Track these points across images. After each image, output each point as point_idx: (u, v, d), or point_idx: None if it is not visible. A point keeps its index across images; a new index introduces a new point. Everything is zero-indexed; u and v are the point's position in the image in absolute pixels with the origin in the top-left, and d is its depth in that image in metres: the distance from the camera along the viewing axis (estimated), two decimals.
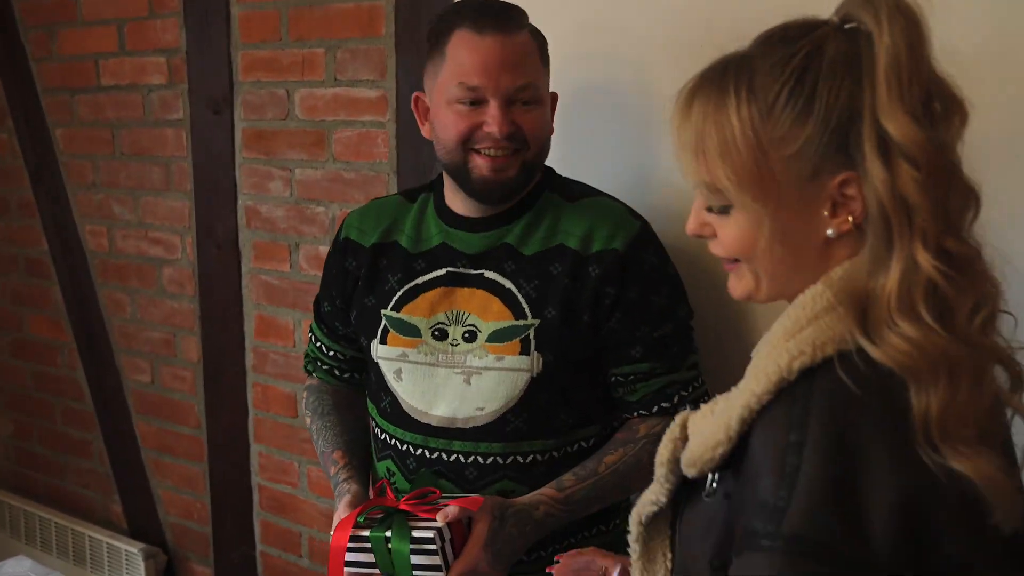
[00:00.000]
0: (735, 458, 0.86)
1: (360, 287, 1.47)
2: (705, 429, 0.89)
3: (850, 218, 0.85)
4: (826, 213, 0.85)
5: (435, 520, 1.23)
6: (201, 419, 2.47)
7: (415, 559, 1.23)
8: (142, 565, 2.51)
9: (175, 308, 2.46)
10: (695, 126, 0.88)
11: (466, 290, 1.39)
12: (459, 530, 1.26)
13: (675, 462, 0.94)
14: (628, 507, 1.35)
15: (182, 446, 2.53)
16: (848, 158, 0.83)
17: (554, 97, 1.43)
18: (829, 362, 0.83)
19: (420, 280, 1.41)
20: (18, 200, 2.80)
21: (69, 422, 2.82)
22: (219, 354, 2.39)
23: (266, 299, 2.26)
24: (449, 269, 1.40)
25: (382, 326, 1.43)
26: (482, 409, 1.36)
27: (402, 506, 1.28)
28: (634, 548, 1.00)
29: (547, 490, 1.33)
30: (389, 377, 1.42)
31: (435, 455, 1.39)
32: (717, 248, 0.93)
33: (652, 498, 0.97)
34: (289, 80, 2.11)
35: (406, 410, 1.41)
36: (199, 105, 2.29)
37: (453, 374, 1.37)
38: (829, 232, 0.86)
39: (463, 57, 1.32)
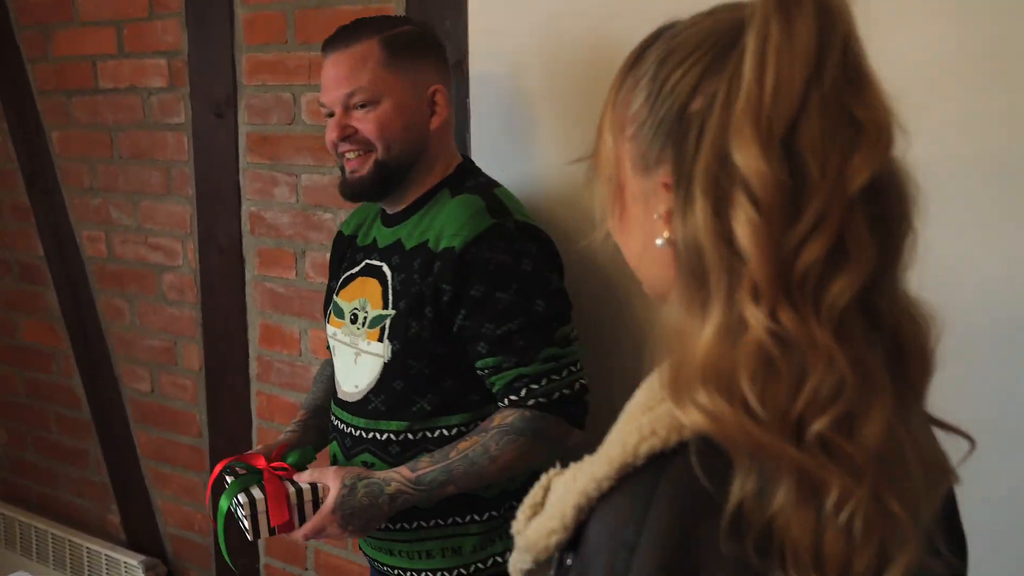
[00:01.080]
0: (578, 539, 0.72)
1: (338, 272, 1.65)
2: (548, 508, 0.75)
3: (666, 234, 0.70)
4: (656, 216, 0.71)
5: (260, 491, 1.42)
6: (203, 428, 2.42)
7: (238, 511, 1.44)
8: None
9: (176, 315, 2.40)
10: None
11: (370, 280, 1.53)
12: (278, 499, 1.42)
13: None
14: (504, 499, 1.50)
15: (183, 456, 2.48)
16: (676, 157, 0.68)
17: (435, 91, 1.49)
18: (684, 446, 0.66)
19: (352, 270, 1.58)
20: (12, 204, 2.74)
21: (64, 431, 2.76)
22: (222, 363, 2.34)
23: (271, 307, 2.21)
24: (367, 261, 1.55)
25: (330, 308, 1.62)
26: (357, 387, 1.52)
27: (263, 466, 1.47)
28: None
29: (402, 468, 1.43)
30: (332, 355, 1.62)
31: (336, 421, 1.58)
32: None
33: (515, 566, 0.79)
34: (295, 83, 2.07)
35: (336, 382, 1.60)
36: (201, 108, 2.24)
37: (353, 353, 1.53)
38: (658, 241, 0.71)
39: (322, 76, 1.51)
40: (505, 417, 1.42)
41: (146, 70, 2.33)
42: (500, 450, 1.41)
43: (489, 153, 1.81)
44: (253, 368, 2.28)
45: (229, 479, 1.46)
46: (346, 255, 1.64)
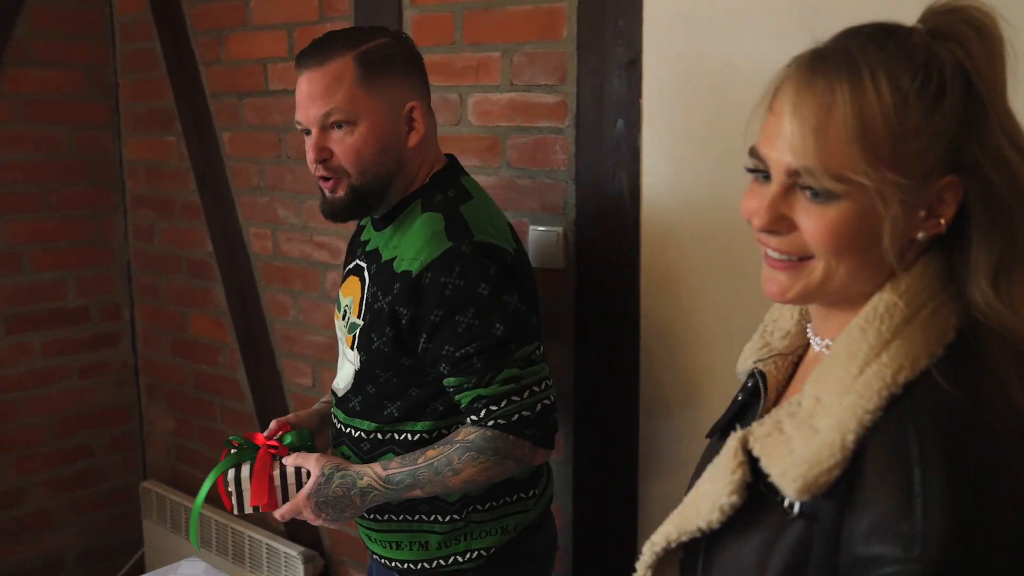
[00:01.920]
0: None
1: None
2: (799, 451, 0.83)
3: (942, 221, 0.85)
4: (922, 214, 0.84)
5: (249, 469, 1.53)
6: None
7: (228, 487, 1.54)
8: (301, 568, 2.51)
9: None
10: (821, 103, 0.82)
11: (357, 281, 1.59)
12: (260, 479, 1.52)
13: (742, 485, 0.88)
14: (467, 503, 1.56)
15: None
16: (955, 162, 0.83)
17: (412, 108, 1.50)
18: (927, 375, 0.83)
19: (350, 265, 1.66)
20: (184, 203, 2.85)
21: (228, 422, 2.85)
22: None
23: None
24: (357, 260, 1.62)
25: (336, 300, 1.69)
26: (340, 384, 1.62)
27: (260, 443, 1.58)
28: (645, 574, 0.96)
29: (375, 465, 1.51)
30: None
31: (332, 411, 1.68)
32: (790, 244, 0.87)
33: (699, 523, 0.90)
34: (462, 85, 2.07)
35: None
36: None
37: (340, 348, 1.63)
38: (920, 235, 0.85)
39: (296, 92, 1.51)
40: (468, 433, 1.47)
41: None
42: (462, 465, 1.47)
43: (662, 154, 1.77)
44: None
45: (228, 452, 1.57)
46: (353, 248, 1.72)
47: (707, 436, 1.08)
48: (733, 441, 0.91)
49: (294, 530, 2.68)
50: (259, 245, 2.64)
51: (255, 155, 2.59)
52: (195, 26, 2.68)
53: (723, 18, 1.65)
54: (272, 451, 1.57)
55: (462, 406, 1.49)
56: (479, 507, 1.59)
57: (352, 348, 1.55)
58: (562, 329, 1.97)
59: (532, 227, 1.98)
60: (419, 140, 1.51)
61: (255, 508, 1.55)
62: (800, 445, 0.83)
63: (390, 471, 1.49)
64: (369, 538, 1.68)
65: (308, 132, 1.49)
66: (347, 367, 1.60)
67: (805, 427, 0.84)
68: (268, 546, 2.60)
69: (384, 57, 1.48)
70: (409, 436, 1.55)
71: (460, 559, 1.60)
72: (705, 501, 0.91)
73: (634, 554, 1.01)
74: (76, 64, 2.92)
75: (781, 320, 1.03)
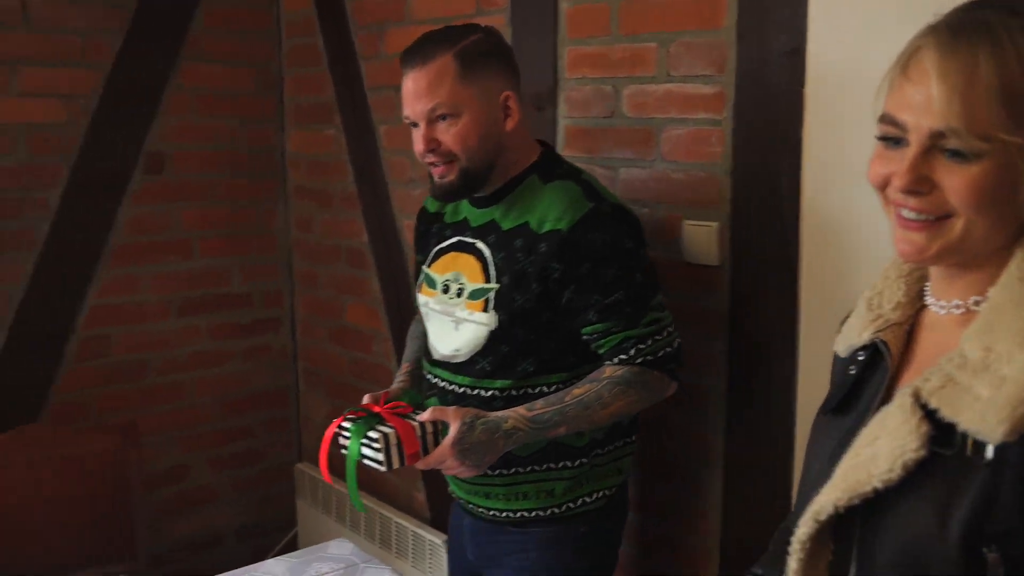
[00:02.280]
0: None
1: (429, 247, 1.83)
2: (990, 397, 0.86)
3: None
4: None
5: (389, 427, 1.55)
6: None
7: (364, 451, 1.56)
8: (444, 557, 2.54)
9: None
10: (965, 66, 0.87)
11: (464, 255, 1.71)
12: (407, 433, 1.55)
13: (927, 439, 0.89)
14: (593, 447, 1.71)
15: None
16: None
17: (507, 97, 1.65)
18: None
19: (443, 244, 1.77)
20: (342, 194, 2.93)
21: None
22: None
23: None
24: (460, 238, 1.74)
25: (421, 278, 1.82)
26: (459, 351, 1.70)
27: (379, 411, 1.61)
28: (803, 546, 0.96)
29: (519, 408, 1.60)
30: (424, 319, 1.81)
31: (434, 380, 1.76)
32: (930, 203, 0.91)
33: (875, 483, 0.91)
34: (617, 76, 2.03)
35: (430, 345, 1.78)
36: (523, 102, 2.26)
37: (449, 320, 1.71)
38: None
39: (402, 89, 1.66)
40: (615, 371, 1.62)
41: None
42: (612, 398, 1.60)
43: (825, 147, 1.69)
44: None
45: (347, 425, 1.59)
46: (431, 230, 1.85)
47: (823, 412, 1.09)
48: (904, 398, 0.92)
49: (438, 518, 2.71)
50: (411, 236, 2.67)
51: (409, 148, 2.61)
52: (356, 21, 2.75)
53: (892, 5, 1.55)
54: (399, 411, 1.61)
55: (604, 350, 1.63)
56: (600, 451, 1.73)
57: (486, 310, 1.65)
58: (715, 327, 1.91)
59: (686, 222, 1.93)
60: (515, 124, 1.66)
61: (402, 461, 1.55)
62: (988, 391, 0.86)
63: (536, 411, 1.59)
64: (487, 495, 1.74)
65: (415, 125, 1.65)
66: (469, 331, 1.68)
67: (986, 375, 0.87)
68: (414, 533, 2.64)
69: (479, 52, 1.63)
70: (544, 388, 1.67)
71: (587, 500, 1.74)
72: (880, 461, 0.91)
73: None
74: (245, 59, 3.04)
75: (888, 292, 1.06)
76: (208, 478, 3.11)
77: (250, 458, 3.21)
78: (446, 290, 1.73)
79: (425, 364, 1.82)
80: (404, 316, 2.72)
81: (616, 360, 1.62)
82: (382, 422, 1.58)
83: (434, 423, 1.58)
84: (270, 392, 3.23)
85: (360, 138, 2.80)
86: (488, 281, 1.66)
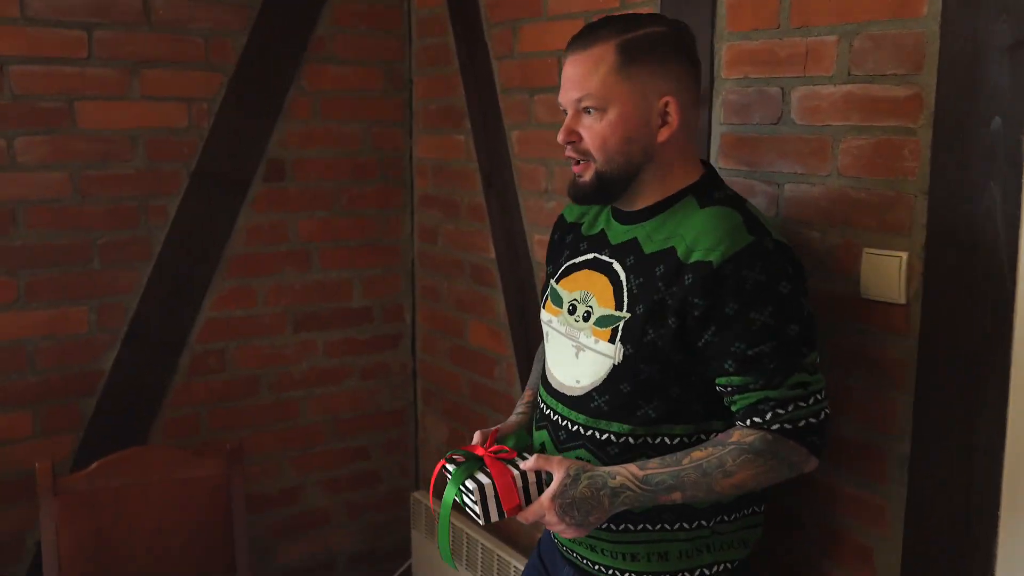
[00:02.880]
0: None
1: (560, 259, 1.66)
2: None
3: None
4: None
5: (488, 477, 1.44)
6: None
7: (465, 498, 1.47)
8: None
9: None
10: None
11: (597, 275, 1.53)
12: (505, 484, 1.43)
13: None
14: (717, 512, 1.51)
15: None
16: None
17: (667, 102, 1.45)
18: None
19: (577, 260, 1.60)
20: (469, 204, 2.72)
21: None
22: None
23: None
24: (596, 255, 1.56)
25: (547, 293, 1.66)
26: (579, 382, 1.53)
27: (482, 453, 1.50)
28: None
29: (630, 465, 1.43)
30: (545, 338, 1.66)
31: (548, 411, 1.59)
32: None
33: None
34: (785, 76, 1.74)
35: (547, 368, 1.63)
36: (691, 113, 1.99)
37: (572, 345, 1.54)
38: None
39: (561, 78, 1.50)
40: (745, 436, 1.41)
41: None
42: (736, 467, 1.40)
43: None
44: None
45: (451, 468, 1.50)
46: (565, 240, 1.68)
47: None
48: None
49: None
50: (542, 254, 2.43)
51: (544, 156, 2.39)
52: (490, 18, 2.53)
53: None
54: (502, 456, 1.51)
55: (737, 407, 1.43)
56: (726, 517, 1.54)
57: (612, 341, 1.47)
58: (897, 376, 1.60)
59: (866, 250, 1.62)
60: (670, 135, 1.47)
61: (502, 513, 1.46)
62: None
63: (648, 471, 1.42)
64: (592, 548, 1.57)
65: (566, 112, 1.50)
66: (590, 362, 1.51)
67: None
68: (515, 568, 2.40)
69: (647, 47, 1.44)
70: (667, 440, 1.48)
71: (706, 571, 1.54)
72: None
73: None
74: (373, 60, 2.87)
75: None
76: (320, 501, 2.95)
77: (365, 482, 3.03)
78: (573, 310, 1.56)
79: (540, 390, 1.67)
80: (530, 342, 2.49)
81: (748, 422, 1.42)
82: (484, 467, 1.48)
83: (538, 472, 1.46)
84: (388, 412, 3.05)
85: (489, 144, 2.59)
86: (619, 308, 1.48)
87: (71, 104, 2.45)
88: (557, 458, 1.45)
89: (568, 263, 1.62)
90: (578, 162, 1.50)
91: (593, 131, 1.46)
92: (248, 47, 2.66)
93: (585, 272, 1.57)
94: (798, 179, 1.74)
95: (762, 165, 1.81)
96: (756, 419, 1.41)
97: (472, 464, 1.49)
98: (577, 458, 1.50)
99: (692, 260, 1.41)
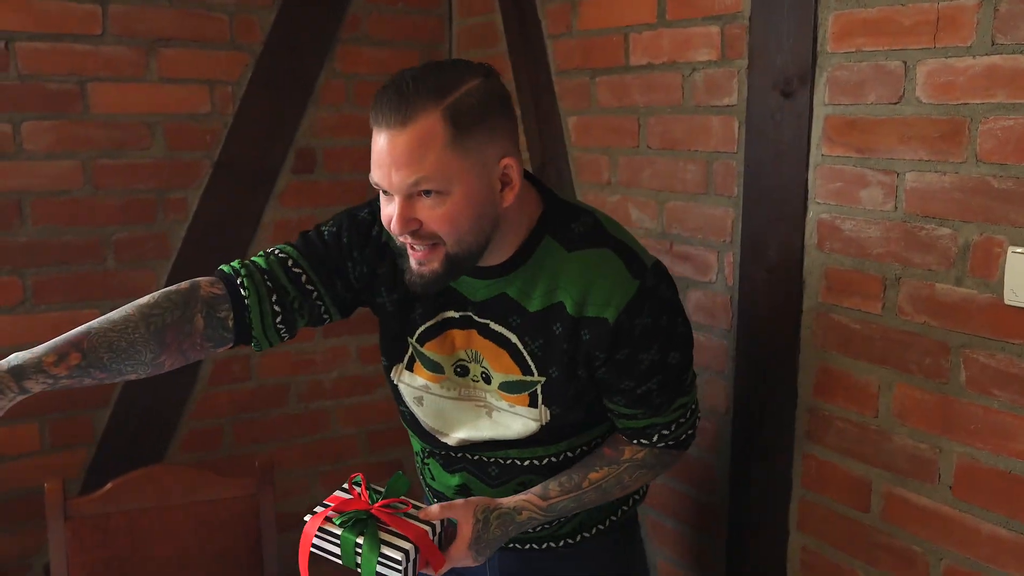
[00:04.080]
0: None
1: (387, 305, 1.50)
2: None
3: None
4: None
5: (404, 540, 1.34)
6: (722, 486, 1.95)
7: (380, 569, 1.34)
8: None
9: (700, 342, 1.96)
10: None
11: (477, 337, 1.44)
12: (425, 543, 1.35)
13: None
14: (623, 507, 1.63)
15: (693, 513, 2.04)
16: None
17: (506, 165, 1.30)
18: None
19: (440, 318, 1.46)
20: None
21: None
22: (756, 408, 1.85)
23: (837, 346, 1.67)
24: (462, 313, 1.45)
25: (409, 354, 1.50)
26: (503, 436, 1.48)
27: (375, 511, 1.37)
28: None
29: (532, 497, 1.46)
30: (408, 400, 1.54)
31: (459, 455, 1.52)
32: None
33: None
34: (910, 48, 1.50)
35: (426, 428, 1.54)
36: (762, 86, 1.76)
37: (476, 406, 1.48)
38: None
39: (372, 149, 1.31)
40: (636, 452, 1.51)
41: (692, 41, 1.90)
42: (632, 481, 1.52)
43: None
44: (801, 422, 1.76)
45: (338, 532, 1.36)
46: (392, 277, 1.48)
47: None
48: None
49: None
50: None
51: (607, 144, 2.16)
52: None
53: None
54: (399, 510, 1.40)
55: (628, 427, 1.50)
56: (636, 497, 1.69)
57: (533, 405, 1.44)
58: None
59: (1011, 249, 1.38)
60: (514, 196, 1.33)
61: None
62: None
63: (551, 500, 1.47)
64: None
65: (386, 193, 1.31)
66: (511, 421, 1.47)
67: None
68: None
69: (476, 109, 1.26)
70: (598, 440, 1.55)
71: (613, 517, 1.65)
72: None
73: None
74: (411, 42, 2.64)
75: None
76: None
77: None
78: (463, 371, 1.47)
79: (416, 439, 1.61)
80: None
81: (634, 442, 1.52)
82: (381, 525, 1.36)
83: (442, 521, 1.42)
84: None
85: (543, 132, 2.35)
86: (527, 373, 1.42)
87: (83, 86, 2.22)
88: (459, 502, 1.42)
89: (428, 323, 1.47)
90: (417, 251, 1.32)
91: (437, 214, 1.28)
92: (276, 25, 2.43)
93: (457, 332, 1.46)
94: (924, 166, 1.50)
95: (877, 151, 1.57)
96: (644, 441, 1.50)
97: (366, 522, 1.36)
98: (520, 483, 1.51)
99: (587, 315, 1.37)
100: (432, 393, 1.51)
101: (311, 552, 1.40)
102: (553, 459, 1.52)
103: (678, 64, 1.93)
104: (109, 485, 2.01)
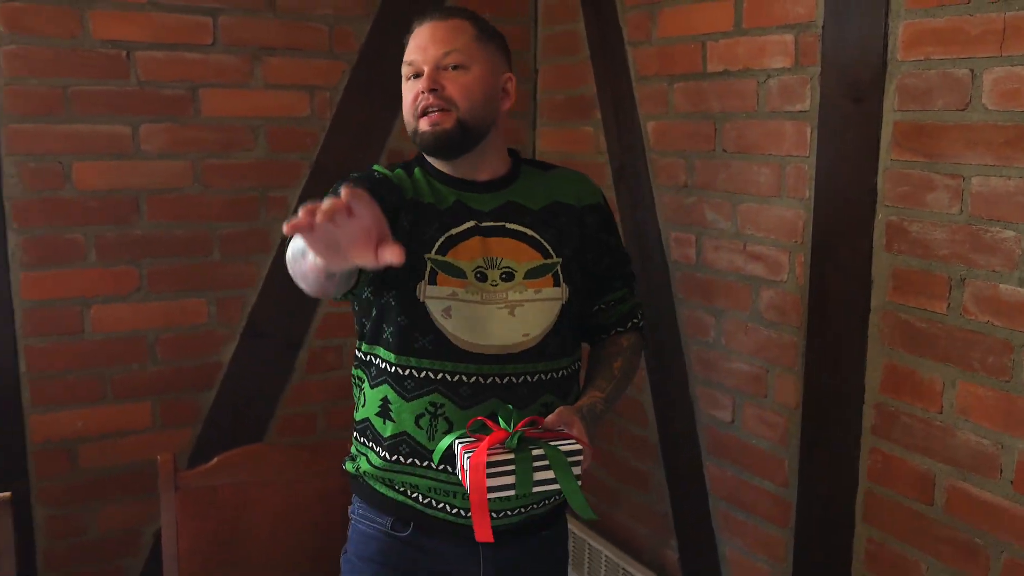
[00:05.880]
0: None
1: (405, 226, 1.56)
2: None
3: None
4: None
5: (565, 439, 1.39)
6: (791, 478, 2.02)
7: (571, 461, 1.37)
8: None
9: (772, 339, 2.03)
10: None
11: (495, 239, 1.58)
12: (578, 438, 1.41)
13: None
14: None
15: (762, 504, 2.11)
16: None
17: (508, 78, 1.60)
18: None
19: (454, 231, 1.58)
20: None
21: (628, 448, 2.55)
22: (825, 403, 1.91)
23: (903, 345, 1.73)
24: (476, 223, 1.58)
25: (429, 269, 1.56)
26: (527, 335, 1.57)
27: (530, 433, 1.40)
28: None
29: (595, 392, 1.59)
30: (436, 315, 1.55)
31: (489, 380, 1.55)
32: None
33: None
34: (977, 56, 1.56)
35: (456, 344, 1.55)
36: (834, 92, 1.82)
37: (497, 309, 1.56)
38: None
39: (409, 43, 1.59)
40: (628, 338, 1.69)
41: (766, 48, 1.97)
42: (636, 364, 1.69)
43: None
44: (868, 417, 1.82)
45: (504, 459, 1.35)
46: (414, 218, 1.57)
47: None
48: None
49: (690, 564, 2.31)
50: (679, 252, 2.29)
51: (684, 148, 2.24)
52: (625, 1, 2.39)
53: None
54: (528, 428, 1.40)
55: (621, 313, 1.69)
56: None
57: (556, 284, 1.58)
58: None
59: None
60: (509, 107, 1.63)
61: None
62: None
63: (607, 391, 1.59)
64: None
65: (417, 75, 1.56)
66: (536, 312, 1.57)
67: None
68: None
69: (493, 31, 1.62)
70: (578, 361, 1.66)
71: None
72: None
73: None
74: None
75: None
76: None
77: None
78: (482, 277, 1.57)
79: (444, 367, 1.55)
80: (663, 345, 2.34)
81: (628, 325, 1.70)
82: (536, 444, 1.38)
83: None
84: None
85: (621, 136, 2.45)
86: (548, 257, 1.60)
87: (194, 91, 2.40)
88: (562, 410, 1.46)
89: (444, 236, 1.58)
90: (433, 112, 1.54)
91: (459, 83, 1.54)
92: (371, 36, 2.57)
93: (475, 240, 1.58)
94: (990, 171, 1.55)
95: (945, 156, 1.62)
96: (634, 321, 1.70)
97: (531, 441, 1.38)
98: (543, 405, 1.56)
99: (585, 204, 1.65)
100: (459, 299, 1.55)
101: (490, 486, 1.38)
102: (565, 372, 1.61)
103: (753, 71, 2.01)
104: (216, 460, 2.16)
